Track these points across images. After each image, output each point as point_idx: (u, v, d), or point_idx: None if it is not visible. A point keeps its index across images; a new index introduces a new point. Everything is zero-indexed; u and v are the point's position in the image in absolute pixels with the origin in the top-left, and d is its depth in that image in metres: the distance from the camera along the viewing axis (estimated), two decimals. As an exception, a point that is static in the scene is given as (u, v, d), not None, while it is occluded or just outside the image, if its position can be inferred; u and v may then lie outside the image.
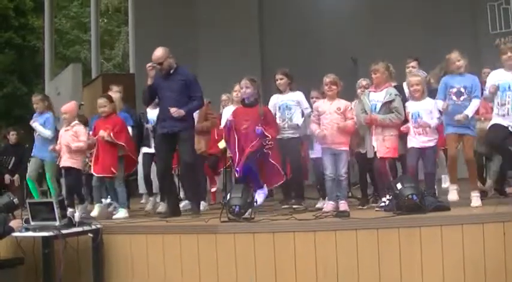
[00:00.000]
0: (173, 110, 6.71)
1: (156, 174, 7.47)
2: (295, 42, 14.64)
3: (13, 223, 5.92)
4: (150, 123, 7.94)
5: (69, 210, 7.29)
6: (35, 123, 7.98)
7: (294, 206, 7.17)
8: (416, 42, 12.80)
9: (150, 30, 14.57)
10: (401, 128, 6.46)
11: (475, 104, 6.16)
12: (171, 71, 6.93)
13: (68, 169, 7.51)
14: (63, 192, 8.06)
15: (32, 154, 8.14)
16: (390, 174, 6.54)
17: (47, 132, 7.94)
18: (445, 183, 7.65)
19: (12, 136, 11.04)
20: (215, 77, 12.31)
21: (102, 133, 7.12)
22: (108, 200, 7.45)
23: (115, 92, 8.13)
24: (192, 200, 7.03)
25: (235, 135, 6.74)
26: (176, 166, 7.87)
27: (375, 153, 6.57)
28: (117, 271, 6.21)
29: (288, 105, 7.23)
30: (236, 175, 6.86)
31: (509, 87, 6.02)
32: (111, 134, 7.10)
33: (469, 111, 6.12)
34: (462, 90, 6.16)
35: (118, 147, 7.19)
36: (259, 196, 6.67)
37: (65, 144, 7.43)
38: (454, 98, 6.17)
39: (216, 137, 8.32)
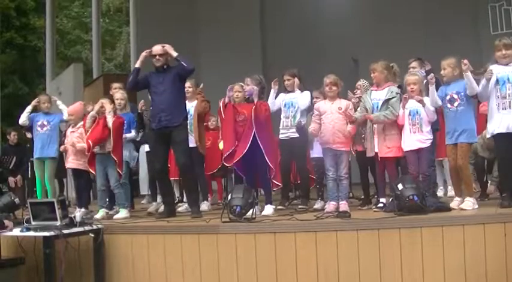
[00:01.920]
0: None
1: (155, 175, 7.48)
2: (296, 42, 14.67)
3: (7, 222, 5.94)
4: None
5: (81, 210, 7.34)
6: (59, 102, 8.20)
7: (300, 206, 7.20)
8: (418, 42, 12.82)
9: (151, 30, 14.57)
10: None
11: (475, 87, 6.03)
12: (165, 67, 6.98)
13: (77, 171, 7.53)
14: (66, 192, 8.09)
15: (35, 156, 8.12)
16: (395, 175, 6.55)
17: (66, 109, 8.04)
18: (439, 192, 7.68)
19: (13, 136, 11.08)
20: (216, 77, 12.29)
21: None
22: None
23: (116, 89, 8.14)
24: (192, 202, 7.03)
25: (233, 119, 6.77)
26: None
27: (376, 153, 6.58)
28: (118, 271, 6.21)
29: (293, 102, 7.31)
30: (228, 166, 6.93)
31: (508, 79, 5.98)
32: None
33: (470, 77, 5.99)
34: (455, 96, 6.13)
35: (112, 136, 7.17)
36: (268, 209, 6.70)
37: (70, 144, 7.46)
38: (449, 105, 6.17)
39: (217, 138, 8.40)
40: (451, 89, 6.18)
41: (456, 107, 6.13)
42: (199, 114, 7.77)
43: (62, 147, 7.81)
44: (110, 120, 7.14)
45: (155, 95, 6.99)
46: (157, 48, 6.95)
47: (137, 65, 7.05)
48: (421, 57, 7.60)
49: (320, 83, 6.95)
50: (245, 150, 6.56)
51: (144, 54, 7.01)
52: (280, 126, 7.34)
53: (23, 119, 8.13)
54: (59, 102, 8.26)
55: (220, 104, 6.93)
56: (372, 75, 6.73)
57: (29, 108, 8.13)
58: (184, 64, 6.85)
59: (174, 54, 6.88)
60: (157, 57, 6.93)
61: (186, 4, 15.19)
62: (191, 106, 7.68)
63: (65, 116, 8.01)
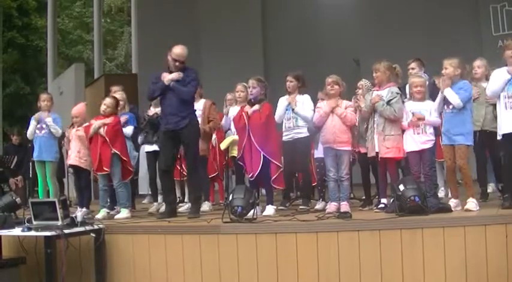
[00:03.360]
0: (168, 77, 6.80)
1: (158, 171, 7.49)
2: (297, 43, 14.66)
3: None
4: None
5: (82, 209, 7.34)
6: (49, 119, 7.93)
7: (301, 207, 7.20)
8: (419, 44, 12.79)
9: (152, 30, 14.59)
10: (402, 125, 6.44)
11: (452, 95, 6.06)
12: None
13: (78, 170, 7.54)
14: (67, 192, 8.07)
15: (35, 158, 8.09)
16: (397, 176, 6.55)
17: (60, 130, 7.93)
18: (440, 193, 7.68)
19: (17, 137, 11.12)
20: (217, 77, 12.34)
21: (97, 124, 7.15)
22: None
23: (116, 92, 8.15)
24: (192, 201, 7.04)
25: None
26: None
27: (377, 153, 6.57)
28: (119, 271, 6.21)
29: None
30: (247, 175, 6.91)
31: None
32: (104, 128, 7.12)
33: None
34: None
35: (111, 145, 7.14)
36: (269, 209, 6.72)
37: (74, 144, 7.48)
38: (445, 107, 6.18)
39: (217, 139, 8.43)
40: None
41: (451, 109, 6.12)
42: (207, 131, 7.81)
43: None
44: (103, 133, 7.14)
45: (165, 97, 6.99)
46: (181, 53, 6.93)
47: (166, 82, 6.89)
48: (420, 58, 7.61)
49: (321, 84, 6.95)
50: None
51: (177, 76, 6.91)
52: (283, 129, 7.33)
53: (31, 135, 8.08)
54: (48, 119, 7.94)
55: (244, 115, 6.88)
56: (374, 75, 6.72)
57: (33, 123, 8.01)
58: (181, 92, 6.87)
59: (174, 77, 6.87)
60: (177, 64, 6.91)
61: (187, 4, 15.19)
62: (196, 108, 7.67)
63: (57, 135, 7.96)
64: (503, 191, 6.55)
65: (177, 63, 6.91)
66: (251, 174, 6.71)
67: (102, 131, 7.13)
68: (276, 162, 6.68)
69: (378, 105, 6.45)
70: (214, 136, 8.46)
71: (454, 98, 6.03)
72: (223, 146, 8.08)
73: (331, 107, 6.67)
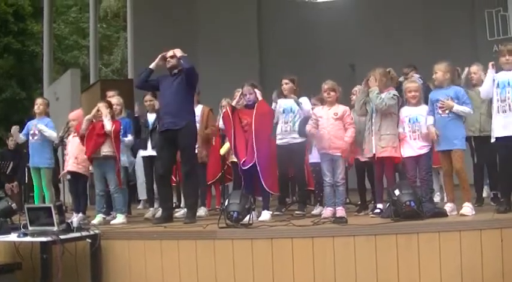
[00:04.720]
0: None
1: (154, 175, 7.48)
2: (293, 48, 14.70)
3: None
4: (149, 127, 8.00)
5: (78, 215, 7.34)
6: (41, 125, 7.90)
7: (297, 212, 7.20)
8: (416, 49, 12.87)
9: (148, 36, 14.61)
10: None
11: (465, 108, 6.15)
12: (176, 71, 7.01)
13: (76, 176, 7.53)
14: (63, 197, 8.04)
15: (30, 164, 8.07)
16: (393, 180, 6.56)
17: (54, 134, 7.90)
18: (436, 198, 7.71)
19: (11, 142, 11.09)
20: (214, 83, 12.34)
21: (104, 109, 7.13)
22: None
23: (113, 97, 8.15)
24: (188, 207, 7.04)
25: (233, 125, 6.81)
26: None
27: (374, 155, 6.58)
28: (115, 277, 6.20)
29: (292, 108, 7.28)
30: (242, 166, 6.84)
31: (508, 84, 6.02)
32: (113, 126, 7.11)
33: (458, 106, 6.12)
34: None
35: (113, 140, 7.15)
36: (265, 214, 6.75)
37: (72, 150, 7.47)
38: (440, 111, 6.20)
39: (214, 143, 8.42)
40: (442, 94, 6.22)
41: (448, 113, 6.15)
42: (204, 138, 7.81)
43: (62, 174, 7.82)
44: (108, 124, 7.10)
45: (163, 98, 7.05)
46: (169, 52, 7.04)
47: (151, 66, 7.06)
48: (415, 65, 7.65)
49: (318, 89, 6.96)
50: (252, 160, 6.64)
51: (160, 56, 7.03)
52: (278, 132, 7.31)
53: (22, 139, 8.09)
54: (39, 125, 7.86)
55: (228, 108, 6.94)
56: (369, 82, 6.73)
57: (22, 135, 8.05)
58: (184, 63, 6.90)
59: (178, 54, 6.95)
60: (168, 59, 6.99)
61: (184, 10, 15.23)
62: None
63: (52, 139, 7.95)
64: (500, 195, 6.54)
65: (168, 59, 7.00)
66: (243, 161, 6.68)
67: (108, 123, 7.07)
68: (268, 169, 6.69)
69: (373, 96, 6.45)
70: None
71: (465, 109, 6.14)
72: (222, 151, 8.10)
73: None
